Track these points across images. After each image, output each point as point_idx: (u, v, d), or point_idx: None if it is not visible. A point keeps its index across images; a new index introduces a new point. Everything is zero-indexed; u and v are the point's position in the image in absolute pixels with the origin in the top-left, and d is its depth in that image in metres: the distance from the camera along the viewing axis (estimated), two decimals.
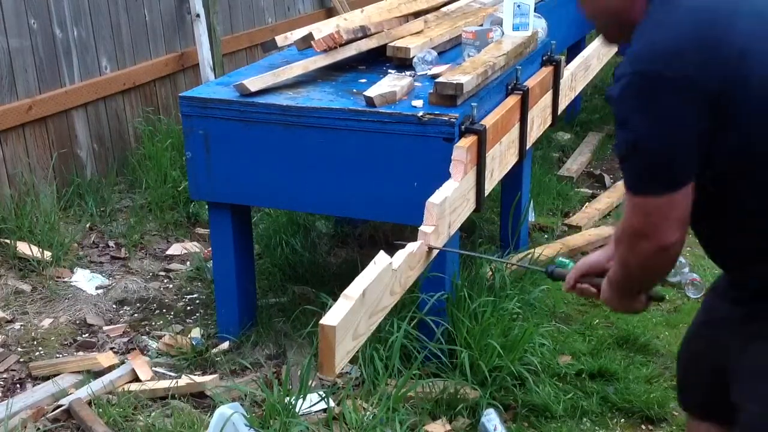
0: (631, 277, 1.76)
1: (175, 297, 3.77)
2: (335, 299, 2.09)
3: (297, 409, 2.66)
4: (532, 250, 3.86)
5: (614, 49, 5.22)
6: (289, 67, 3.18)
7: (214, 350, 3.25)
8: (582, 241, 4.22)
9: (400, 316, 2.94)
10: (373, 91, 2.96)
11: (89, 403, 2.88)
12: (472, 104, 2.93)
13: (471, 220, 3.75)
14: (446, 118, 2.81)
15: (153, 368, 3.15)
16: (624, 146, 1.60)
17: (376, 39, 3.46)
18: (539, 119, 3.66)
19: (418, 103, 2.94)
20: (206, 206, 3.77)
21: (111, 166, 4.76)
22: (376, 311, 2.21)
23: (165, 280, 3.92)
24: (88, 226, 4.28)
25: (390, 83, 3.06)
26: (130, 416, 2.84)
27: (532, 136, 3.59)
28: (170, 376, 3.11)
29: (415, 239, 2.49)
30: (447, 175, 2.74)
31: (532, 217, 4.42)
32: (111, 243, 4.21)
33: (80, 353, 3.28)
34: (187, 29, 5.36)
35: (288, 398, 2.69)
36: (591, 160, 5.54)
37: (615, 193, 4.90)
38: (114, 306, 3.68)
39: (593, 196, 4.95)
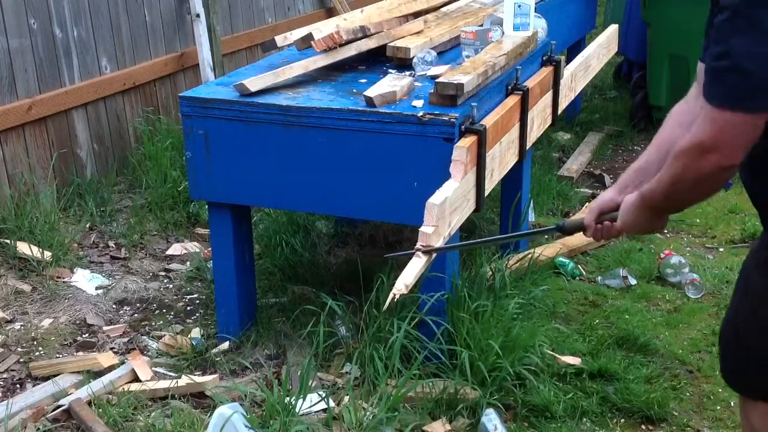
0: (678, 193, 1.78)
1: (175, 297, 3.77)
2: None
3: (297, 409, 2.67)
4: (532, 250, 3.86)
5: (614, 49, 5.22)
6: (289, 67, 3.18)
7: (214, 350, 3.25)
8: (582, 241, 4.22)
9: (400, 316, 2.95)
10: (373, 91, 2.96)
11: (89, 403, 2.88)
12: (472, 104, 2.93)
13: (471, 220, 3.76)
14: (446, 118, 2.81)
15: (153, 368, 3.15)
16: (725, 58, 1.60)
17: (376, 39, 3.46)
18: (539, 119, 3.66)
19: (418, 103, 2.93)
20: (206, 206, 3.77)
21: (111, 166, 4.76)
22: None
23: (165, 280, 3.93)
24: (88, 226, 4.28)
25: (390, 83, 3.06)
26: (130, 416, 2.84)
27: (532, 136, 3.59)
28: (170, 376, 3.11)
29: (415, 239, 2.49)
30: (447, 175, 2.74)
31: (532, 217, 4.42)
32: (111, 243, 4.21)
33: (80, 353, 3.28)
34: (187, 29, 5.36)
35: (288, 398, 2.69)
36: (591, 160, 5.54)
37: None
38: (114, 306, 3.68)
39: (593, 196, 4.95)
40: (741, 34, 1.57)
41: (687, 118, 1.93)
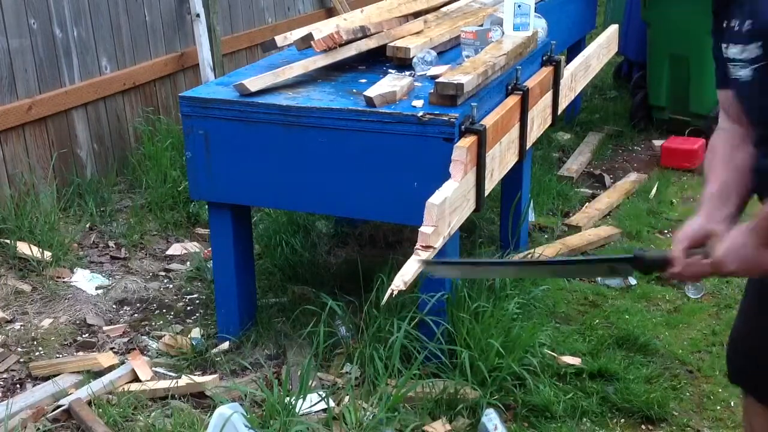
0: None
1: (175, 297, 3.77)
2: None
3: (297, 409, 2.66)
4: (532, 250, 3.86)
5: (614, 49, 5.22)
6: (289, 67, 3.18)
7: (214, 350, 3.25)
8: (582, 241, 4.22)
9: (400, 316, 2.95)
10: (373, 91, 2.96)
11: (89, 403, 2.88)
12: (472, 104, 2.93)
13: (471, 220, 3.76)
14: (446, 118, 2.81)
15: (153, 368, 3.15)
16: None
17: (376, 39, 3.46)
18: (539, 119, 3.66)
19: (418, 103, 2.93)
20: (206, 206, 3.77)
21: (111, 166, 4.76)
22: None
23: (165, 280, 3.93)
24: (88, 226, 4.28)
25: (390, 83, 3.06)
26: (130, 416, 2.84)
27: (532, 136, 3.59)
28: (170, 376, 3.11)
29: (415, 239, 2.49)
30: (447, 175, 2.74)
31: (532, 217, 4.42)
32: (111, 243, 4.21)
33: (80, 353, 3.28)
34: (187, 29, 5.36)
35: (288, 398, 2.69)
36: (591, 160, 5.54)
37: (615, 193, 4.90)
38: (114, 306, 3.68)
39: (593, 196, 4.95)
40: None
41: (736, 141, 1.83)
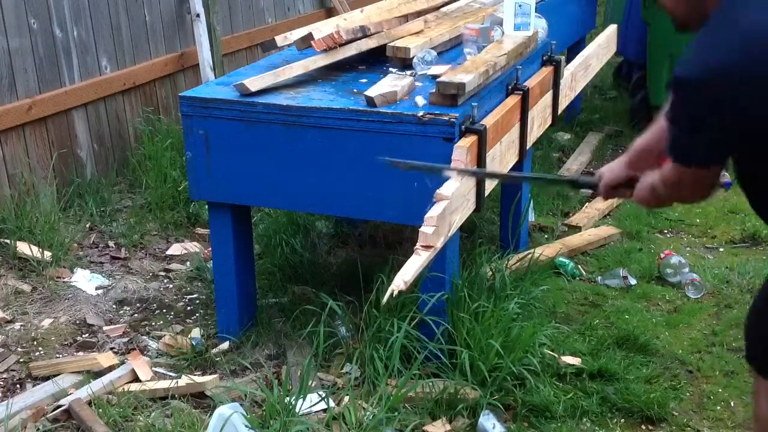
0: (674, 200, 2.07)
1: (175, 297, 3.77)
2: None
3: (297, 409, 2.66)
4: (532, 250, 3.86)
5: (614, 49, 5.22)
6: (289, 67, 3.18)
7: (214, 350, 3.25)
8: (582, 242, 4.22)
9: (400, 316, 2.95)
10: (373, 91, 2.96)
11: (89, 403, 2.88)
12: (473, 104, 2.93)
13: (471, 220, 3.75)
14: (446, 118, 2.81)
15: (153, 368, 3.15)
16: None
17: (376, 39, 3.46)
18: (539, 119, 3.66)
19: (419, 103, 2.93)
20: (206, 206, 3.77)
21: (111, 166, 4.76)
22: None
23: (165, 280, 3.92)
24: (88, 226, 4.28)
25: (390, 83, 3.06)
26: (130, 416, 2.84)
27: (532, 136, 3.59)
28: (170, 376, 3.11)
29: (415, 239, 2.49)
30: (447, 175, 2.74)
31: (532, 217, 4.42)
32: (111, 243, 4.21)
33: (80, 353, 3.28)
34: (187, 29, 5.36)
35: (288, 398, 2.69)
36: (591, 160, 5.54)
37: None
38: (114, 306, 3.67)
39: (593, 196, 4.94)
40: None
41: None
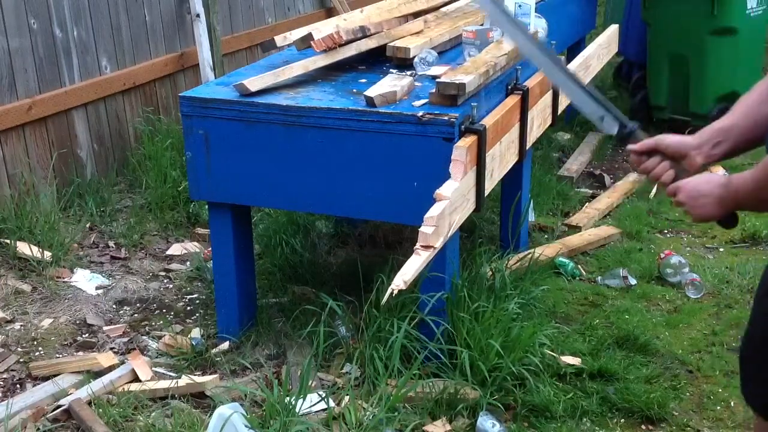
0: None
1: (175, 297, 3.77)
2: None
3: (297, 409, 2.66)
4: (532, 250, 3.86)
5: (615, 49, 5.22)
6: (289, 67, 3.18)
7: (214, 350, 3.25)
8: (582, 241, 4.22)
9: (400, 316, 2.95)
10: (373, 91, 2.96)
11: (89, 403, 2.88)
12: (472, 104, 2.93)
13: (471, 220, 3.76)
14: (446, 118, 2.81)
15: (153, 368, 3.15)
16: None
17: (376, 39, 3.46)
18: (539, 119, 3.66)
19: (419, 103, 2.93)
20: (206, 206, 3.77)
21: (111, 166, 4.76)
22: None
23: (165, 280, 3.92)
24: (88, 226, 4.28)
25: (390, 83, 3.06)
26: (130, 416, 2.84)
27: (532, 136, 3.59)
28: (170, 376, 3.11)
29: (415, 239, 2.49)
30: (447, 175, 2.74)
31: (532, 217, 4.42)
32: (111, 243, 4.21)
33: (80, 353, 3.28)
34: (187, 29, 5.36)
35: (288, 398, 2.69)
36: (591, 160, 5.54)
37: (615, 193, 4.90)
38: (114, 306, 3.67)
39: (593, 196, 4.95)
40: None
41: (765, 96, 1.83)
